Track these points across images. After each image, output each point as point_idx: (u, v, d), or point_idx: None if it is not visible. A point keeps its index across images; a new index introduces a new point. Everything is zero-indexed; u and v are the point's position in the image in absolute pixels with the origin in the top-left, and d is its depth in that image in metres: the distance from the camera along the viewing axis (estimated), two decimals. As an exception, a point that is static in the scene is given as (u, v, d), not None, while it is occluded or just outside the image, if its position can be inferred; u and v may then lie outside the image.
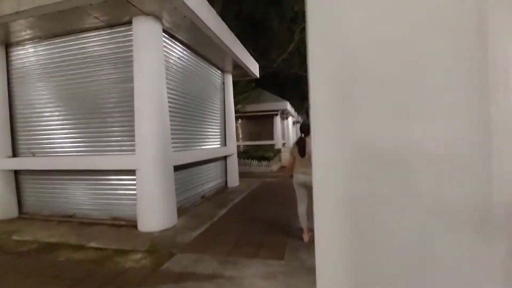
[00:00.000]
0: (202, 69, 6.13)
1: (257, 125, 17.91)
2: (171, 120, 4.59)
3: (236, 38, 6.19)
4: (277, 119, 17.48)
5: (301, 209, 3.42)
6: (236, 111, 13.52)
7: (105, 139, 4.52)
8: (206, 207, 5.30)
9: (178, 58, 5.09)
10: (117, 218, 4.54)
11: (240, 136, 18.10)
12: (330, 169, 0.69)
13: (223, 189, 7.07)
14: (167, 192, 4.20)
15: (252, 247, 3.25)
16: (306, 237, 3.36)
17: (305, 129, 3.39)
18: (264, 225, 4.03)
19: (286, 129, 22.94)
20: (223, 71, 7.30)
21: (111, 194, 4.57)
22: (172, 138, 4.65)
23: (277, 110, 17.13)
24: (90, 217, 4.65)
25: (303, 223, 3.40)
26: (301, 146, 3.30)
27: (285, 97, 18.16)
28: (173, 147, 4.69)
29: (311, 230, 3.37)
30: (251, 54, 7.58)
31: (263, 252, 3.11)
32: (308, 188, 3.31)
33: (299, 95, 27.66)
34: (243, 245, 3.34)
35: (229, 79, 7.49)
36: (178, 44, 5.10)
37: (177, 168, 4.75)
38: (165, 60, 4.56)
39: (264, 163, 10.40)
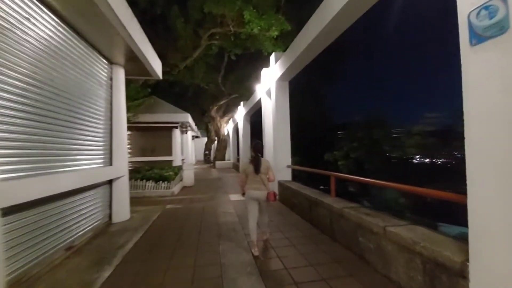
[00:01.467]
0: (78, 52, 4.10)
1: (152, 138, 15.41)
2: (2, 123, 2.52)
3: (134, 16, 4.54)
4: (176, 133, 15.61)
5: (253, 223, 3.55)
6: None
7: None
8: (73, 268, 3.24)
9: (28, 19, 3.04)
10: None
11: (130, 151, 15.04)
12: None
13: (106, 227, 4.92)
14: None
15: None
16: (256, 251, 3.44)
17: (260, 148, 3.62)
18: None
19: (186, 144, 21.06)
20: (111, 61, 5.32)
21: None
22: (3, 156, 2.56)
23: (176, 123, 15.27)
24: None
25: (254, 237, 3.53)
26: (257, 165, 3.50)
27: (183, 109, 16.52)
28: (5, 172, 2.58)
29: (266, 239, 3.88)
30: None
31: None
32: (261, 202, 3.59)
33: (199, 108, 26.33)
34: None
35: (120, 74, 5.55)
36: (36, 1, 3.07)
37: (14, 210, 2.63)
38: (-3, 14, 2.52)
39: (163, 184, 8.50)
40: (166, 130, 15.41)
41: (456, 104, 1.90)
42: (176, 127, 15.43)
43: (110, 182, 5.25)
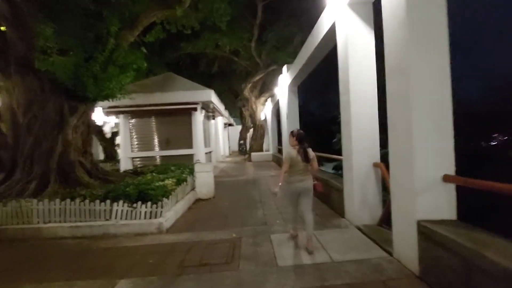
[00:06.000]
0: None
1: (166, 125, 11.59)
2: None
3: None
4: (197, 117, 11.51)
5: (294, 214, 3.49)
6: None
7: None
8: None
9: None
10: None
11: (135, 145, 11.44)
12: None
13: None
14: None
15: None
16: (310, 246, 3.13)
17: (304, 138, 3.30)
18: None
19: (216, 133, 17.03)
20: None
21: None
22: None
23: (195, 103, 11.18)
24: None
25: (293, 225, 3.58)
26: (306, 153, 3.22)
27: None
28: None
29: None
30: None
31: None
32: (305, 195, 3.27)
33: (230, 90, 21.92)
34: None
35: None
36: None
37: None
38: None
39: (144, 209, 4.34)
40: (183, 114, 11.45)
41: None
42: (196, 109, 11.34)
43: None
